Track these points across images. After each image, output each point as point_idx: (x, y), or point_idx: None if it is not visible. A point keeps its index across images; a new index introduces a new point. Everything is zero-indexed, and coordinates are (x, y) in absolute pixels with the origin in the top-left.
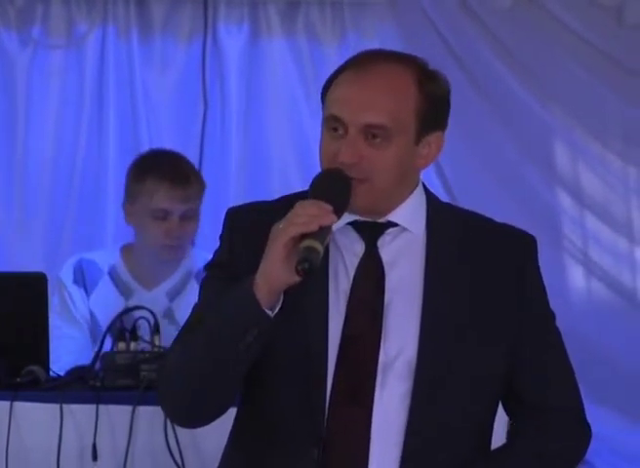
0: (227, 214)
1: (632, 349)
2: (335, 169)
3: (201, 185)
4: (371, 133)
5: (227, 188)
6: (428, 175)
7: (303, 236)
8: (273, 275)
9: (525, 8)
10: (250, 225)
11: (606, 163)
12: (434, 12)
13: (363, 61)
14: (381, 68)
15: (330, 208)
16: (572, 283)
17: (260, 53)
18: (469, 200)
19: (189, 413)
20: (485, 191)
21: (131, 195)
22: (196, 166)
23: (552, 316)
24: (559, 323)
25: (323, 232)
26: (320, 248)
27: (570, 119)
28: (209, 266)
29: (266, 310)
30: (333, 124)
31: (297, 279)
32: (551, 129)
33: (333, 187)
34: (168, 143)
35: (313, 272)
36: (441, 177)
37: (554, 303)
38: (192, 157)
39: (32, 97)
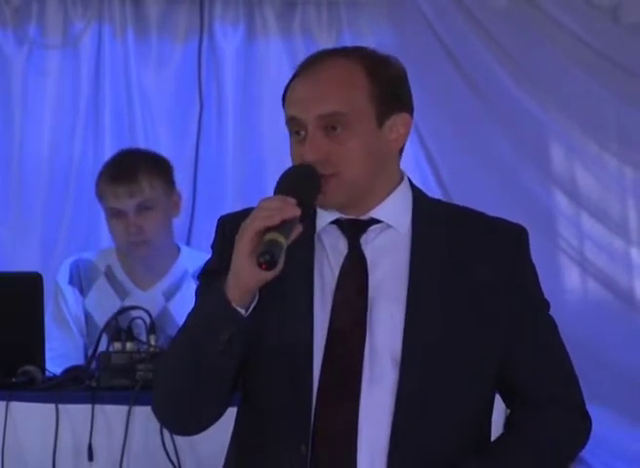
0: (220, 221)
1: (628, 349)
2: (302, 164)
3: (157, 176)
4: (329, 125)
5: (223, 189)
6: (424, 176)
7: (267, 230)
8: (242, 272)
9: (521, 7)
10: None
11: (602, 163)
12: (431, 12)
13: (309, 62)
14: (327, 64)
15: (293, 201)
16: (567, 283)
17: (255, 53)
18: (465, 200)
19: (180, 420)
20: (481, 191)
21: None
22: (192, 165)
23: (546, 305)
24: None
25: (287, 225)
26: (283, 240)
27: (566, 119)
28: (202, 274)
29: (239, 309)
30: (293, 127)
31: (265, 275)
32: (547, 128)
33: (298, 181)
34: (164, 143)
35: (275, 265)
36: (437, 177)
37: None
38: (188, 156)
39: (28, 96)
